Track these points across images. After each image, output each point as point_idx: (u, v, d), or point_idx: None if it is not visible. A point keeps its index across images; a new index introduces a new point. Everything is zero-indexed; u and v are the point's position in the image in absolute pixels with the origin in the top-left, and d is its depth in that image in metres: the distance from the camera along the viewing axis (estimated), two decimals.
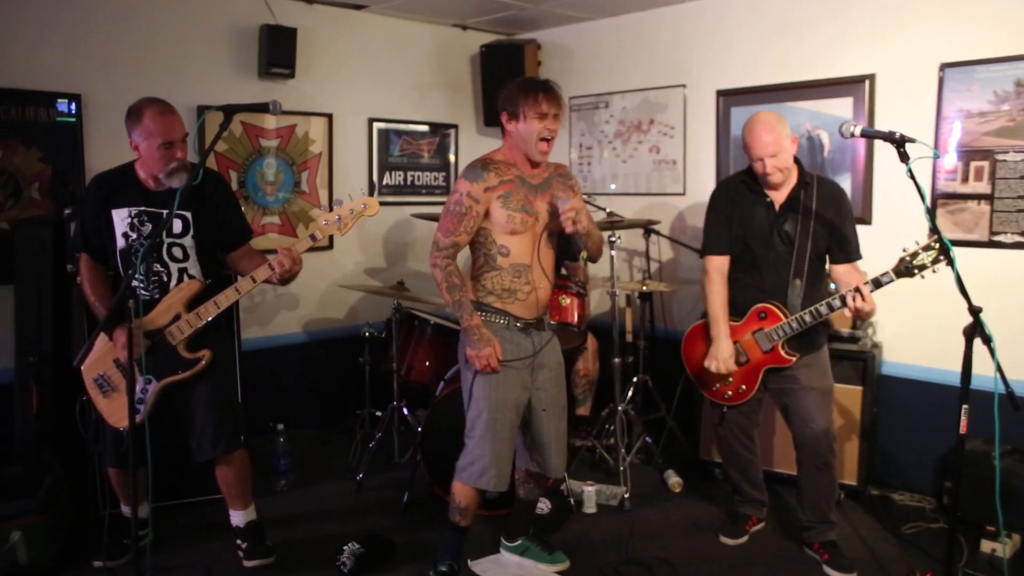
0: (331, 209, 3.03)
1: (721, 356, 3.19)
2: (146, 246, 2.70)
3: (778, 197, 3.16)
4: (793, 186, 3.14)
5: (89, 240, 3.05)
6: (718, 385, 3.32)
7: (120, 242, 3.00)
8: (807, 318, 3.04)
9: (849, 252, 3.14)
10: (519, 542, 3.27)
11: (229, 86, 4.41)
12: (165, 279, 3.02)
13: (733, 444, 3.43)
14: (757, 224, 3.17)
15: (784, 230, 3.14)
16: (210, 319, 3.00)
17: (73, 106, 3.89)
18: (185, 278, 3.04)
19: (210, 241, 3.12)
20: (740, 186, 3.25)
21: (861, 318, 3.05)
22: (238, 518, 3.26)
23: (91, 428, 3.11)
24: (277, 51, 4.48)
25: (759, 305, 3.17)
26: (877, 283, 2.87)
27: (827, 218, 3.11)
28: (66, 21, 3.89)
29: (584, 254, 2.80)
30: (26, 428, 3.54)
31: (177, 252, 3.04)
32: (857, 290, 2.87)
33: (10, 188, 3.75)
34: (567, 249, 2.89)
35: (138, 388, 2.90)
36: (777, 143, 3.04)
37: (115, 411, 3.00)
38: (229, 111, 2.69)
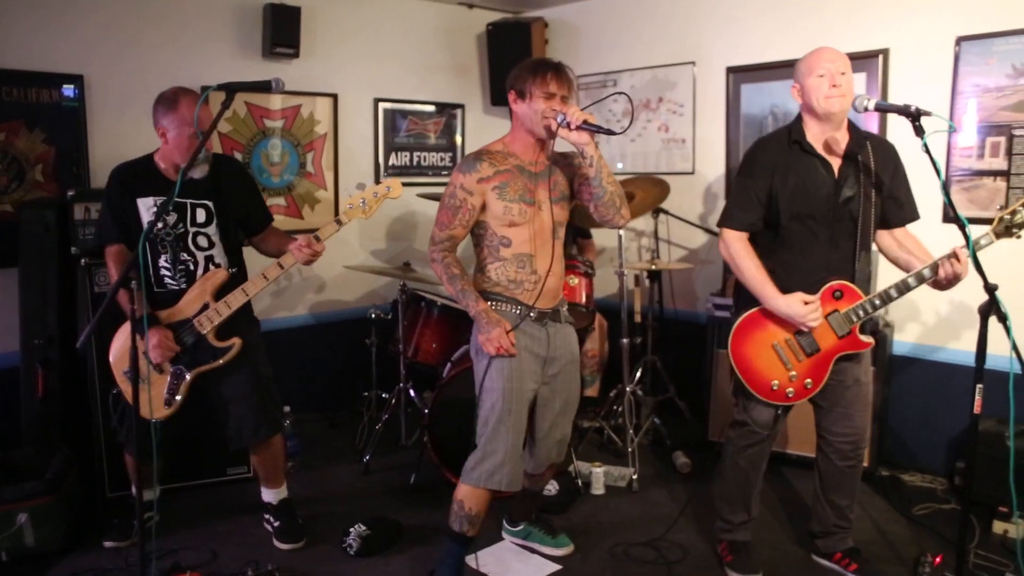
0: (355, 192, 3.07)
1: (798, 310, 2.70)
2: (143, 234, 2.67)
3: (834, 160, 2.77)
4: (847, 146, 2.77)
5: (121, 230, 3.02)
6: (777, 382, 2.80)
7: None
8: (893, 293, 2.67)
9: (910, 212, 2.85)
10: (522, 527, 3.25)
11: (233, 66, 4.37)
12: (192, 268, 3.05)
13: (758, 462, 2.97)
14: (819, 192, 2.74)
15: (847, 197, 2.75)
16: (238, 307, 3.03)
17: (75, 88, 3.86)
18: (211, 266, 3.06)
19: (233, 228, 3.15)
20: (792, 147, 2.77)
21: (945, 287, 2.67)
22: (270, 495, 3.34)
23: (116, 415, 3.12)
24: (281, 30, 4.43)
25: (834, 283, 2.74)
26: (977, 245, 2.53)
27: (884, 180, 2.79)
28: (68, 1, 3.85)
29: (593, 172, 2.58)
30: (32, 411, 3.55)
31: (202, 241, 3.06)
32: (954, 255, 2.56)
33: (13, 170, 3.73)
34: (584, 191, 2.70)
35: (169, 380, 2.99)
36: (846, 65, 2.70)
37: (146, 403, 2.98)
38: (231, 89, 2.65)
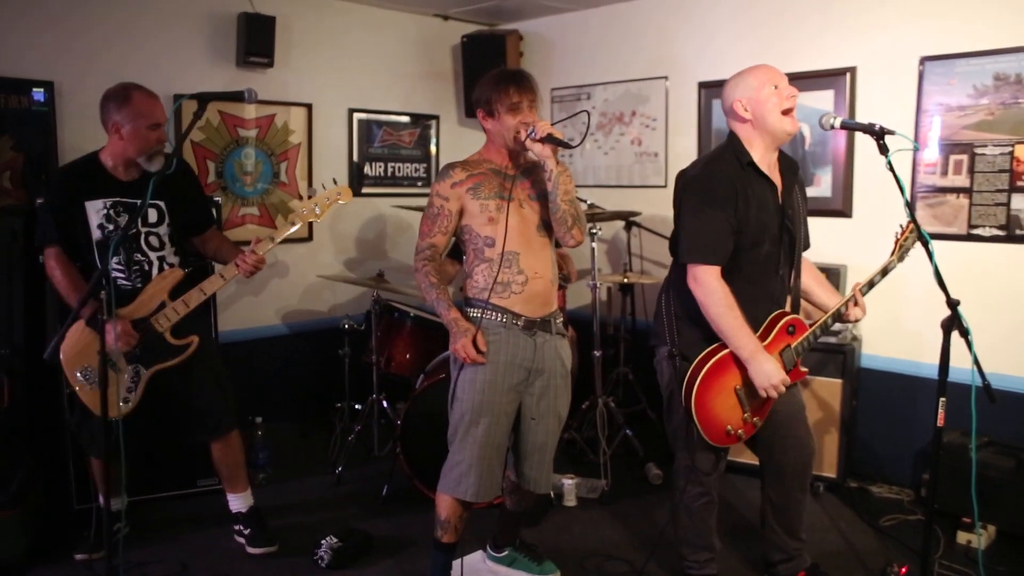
0: (308, 197, 3.12)
1: (774, 375, 2.53)
2: (117, 238, 2.66)
3: (776, 181, 2.67)
4: (780, 165, 2.72)
5: (63, 233, 2.99)
6: (731, 427, 2.63)
7: (96, 234, 2.99)
8: (830, 321, 2.68)
9: (808, 236, 2.85)
10: (506, 552, 3.15)
11: (206, 75, 4.35)
12: (147, 268, 3.05)
13: (711, 506, 2.88)
14: (771, 217, 2.63)
15: (790, 220, 2.68)
16: (196, 306, 3.04)
17: (45, 94, 3.81)
18: (165, 266, 3.07)
19: (183, 228, 3.16)
20: (747, 170, 2.59)
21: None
22: (237, 503, 3.32)
23: (75, 417, 3.11)
24: (255, 40, 4.42)
25: (790, 317, 2.67)
26: (871, 284, 2.69)
27: (805, 201, 2.80)
28: (40, 6, 3.81)
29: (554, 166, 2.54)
30: None
31: (154, 241, 3.07)
32: (854, 299, 2.68)
33: None
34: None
35: (127, 378, 2.96)
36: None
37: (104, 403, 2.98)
38: (203, 99, 2.66)
